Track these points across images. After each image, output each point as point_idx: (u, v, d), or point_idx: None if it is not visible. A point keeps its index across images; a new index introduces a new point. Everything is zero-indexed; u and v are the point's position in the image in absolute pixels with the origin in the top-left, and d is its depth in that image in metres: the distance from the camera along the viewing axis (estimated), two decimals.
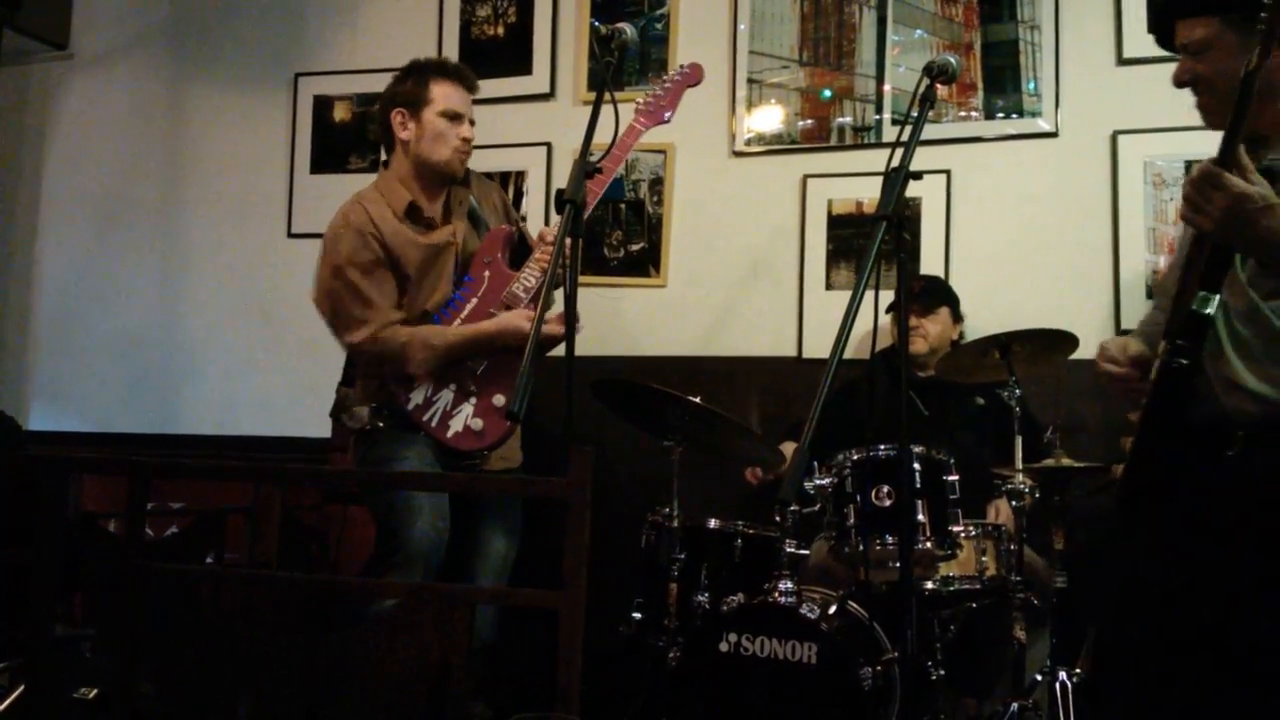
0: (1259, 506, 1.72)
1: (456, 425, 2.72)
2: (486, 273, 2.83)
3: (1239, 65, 1.64)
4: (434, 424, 2.72)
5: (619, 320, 3.84)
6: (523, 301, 2.79)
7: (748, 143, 3.81)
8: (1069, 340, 2.89)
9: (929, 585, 2.76)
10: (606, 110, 2.09)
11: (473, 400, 2.74)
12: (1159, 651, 1.84)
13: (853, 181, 3.68)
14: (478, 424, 2.72)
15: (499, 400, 2.72)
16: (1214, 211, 1.58)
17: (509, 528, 2.90)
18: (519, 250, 2.93)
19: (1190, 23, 1.80)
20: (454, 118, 2.82)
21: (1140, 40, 3.41)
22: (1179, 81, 1.86)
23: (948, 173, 3.56)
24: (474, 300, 2.81)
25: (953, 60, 1.89)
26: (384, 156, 2.99)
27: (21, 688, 2.13)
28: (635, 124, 2.83)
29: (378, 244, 2.74)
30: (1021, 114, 3.54)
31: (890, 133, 3.65)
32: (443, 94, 2.82)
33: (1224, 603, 1.76)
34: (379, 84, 4.13)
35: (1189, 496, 1.81)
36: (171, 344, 4.31)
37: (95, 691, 2.18)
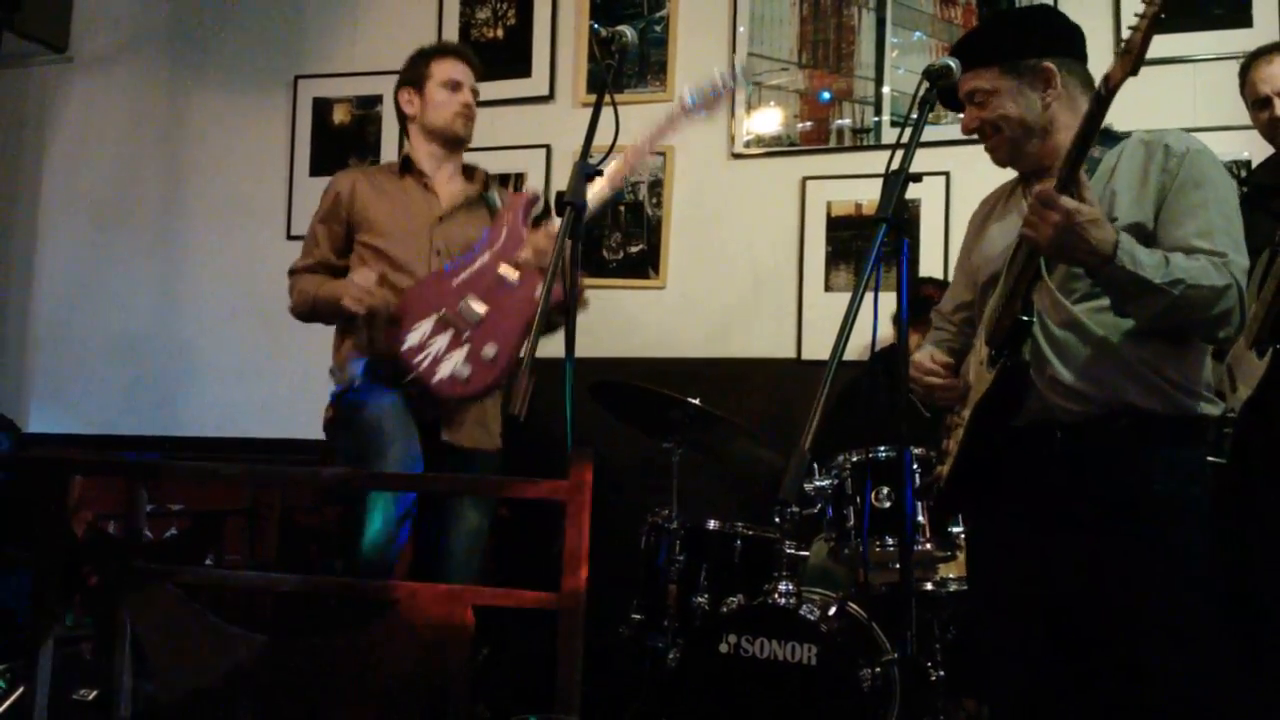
0: (1080, 497, 1.88)
1: (444, 371, 2.73)
2: (504, 229, 2.85)
3: (1018, 107, 1.97)
4: (424, 366, 2.73)
5: (618, 322, 3.84)
6: None
7: (747, 145, 3.82)
8: None
9: (928, 586, 2.77)
10: (606, 113, 2.09)
11: (465, 348, 2.76)
12: (1002, 637, 1.99)
13: (852, 184, 3.69)
14: (465, 371, 2.74)
15: (489, 351, 2.74)
16: (1047, 228, 1.73)
17: (481, 500, 2.90)
18: None
19: (972, 75, 2.00)
20: (454, 87, 2.92)
21: None
22: (967, 129, 2.06)
23: (947, 174, 3.57)
24: (486, 255, 2.83)
25: (952, 63, 1.90)
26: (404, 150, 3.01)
27: (21, 689, 2.13)
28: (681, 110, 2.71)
29: (343, 198, 2.89)
30: None
31: (889, 135, 3.66)
32: (443, 69, 2.93)
33: (1052, 593, 1.91)
34: (378, 86, 4.20)
35: (1014, 492, 1.95)
36: (171, 346, 4.32)
37: (95, 693, 2.18)
